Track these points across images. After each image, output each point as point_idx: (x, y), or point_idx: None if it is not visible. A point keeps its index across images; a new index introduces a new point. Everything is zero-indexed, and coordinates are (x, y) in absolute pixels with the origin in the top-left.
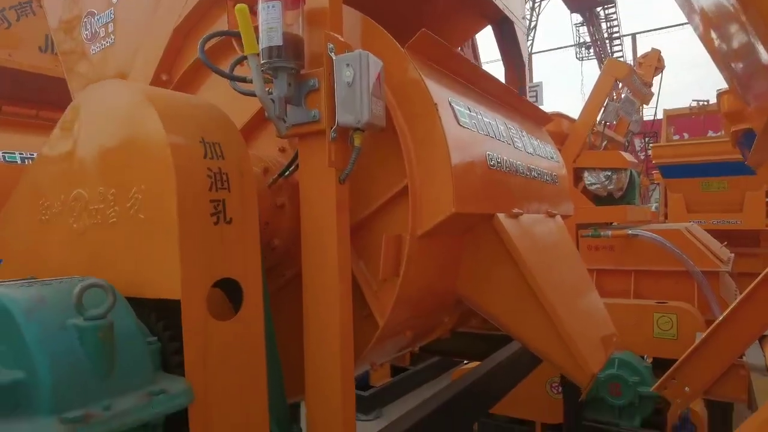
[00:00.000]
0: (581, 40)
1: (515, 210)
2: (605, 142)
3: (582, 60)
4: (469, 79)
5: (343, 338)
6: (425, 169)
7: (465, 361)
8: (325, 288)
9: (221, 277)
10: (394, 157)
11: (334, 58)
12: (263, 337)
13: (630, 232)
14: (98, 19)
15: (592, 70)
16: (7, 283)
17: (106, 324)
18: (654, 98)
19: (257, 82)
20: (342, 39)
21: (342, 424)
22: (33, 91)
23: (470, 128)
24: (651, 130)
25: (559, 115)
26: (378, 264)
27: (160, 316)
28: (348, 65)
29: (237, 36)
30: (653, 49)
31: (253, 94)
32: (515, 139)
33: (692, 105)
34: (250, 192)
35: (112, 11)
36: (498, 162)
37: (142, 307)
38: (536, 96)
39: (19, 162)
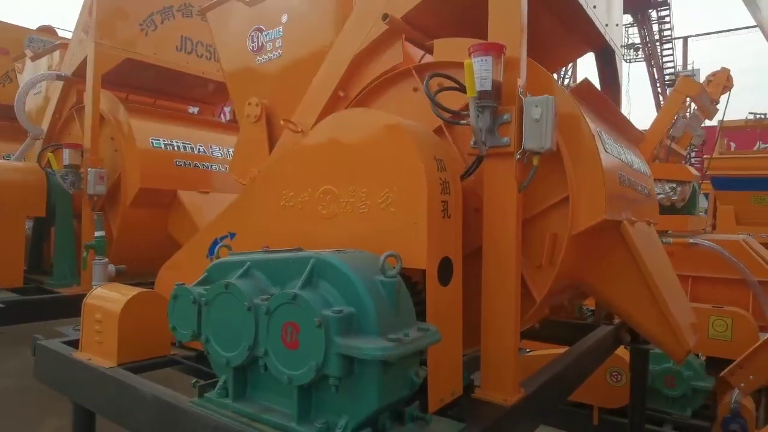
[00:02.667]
0: (629, 42)
1: (632, 218)
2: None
3: (630, 62)
4: (601, 111)
5: (516, 303)
6: (582, 183)
7: (528, 350)
8: (504, 269)
9: (444, 256)
10: (556, 173)
11: (524, 99)
12: (461, 300)
13: (691, 240)
14: (266, 35)
15: (639, 73)
16: (304, 252)
17: (398, 281)
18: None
19: (473, 116)
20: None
21: (513, 362)
22: (172, 85)
23: (611, 153)
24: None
25: None
26: (535, 254)
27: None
28: (536, 106)
29: (447, 78)
30: (723, 68)
31: (451, 121)
32: (628, 158)
33: (749, 117)
34: (459, 195)
35: (281, 29)
36: (625, 180)
37: None
38: None
39: (163, 148)
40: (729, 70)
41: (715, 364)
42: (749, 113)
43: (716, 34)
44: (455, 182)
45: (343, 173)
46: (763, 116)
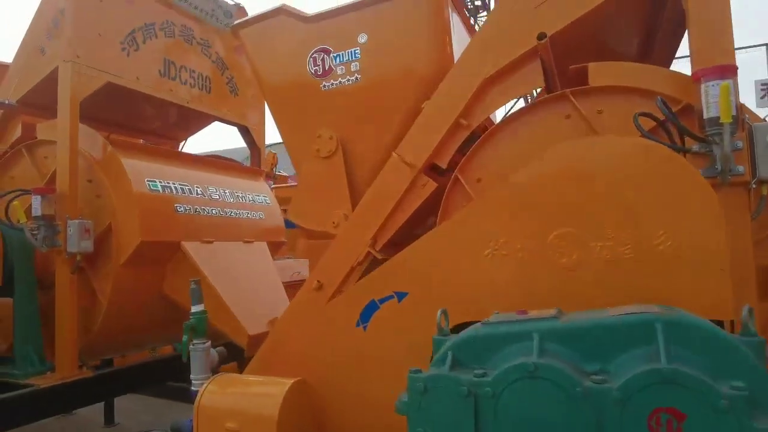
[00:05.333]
0: None
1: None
2: None
3: None
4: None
5: None
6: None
7: None
8: None
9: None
10: None
11: (752, 125)
12: None
13: None
14: (336, 57)
15: None
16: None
17: (760, 341)
18: None
19: (727, 143)
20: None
21: None
22: (146, 117)
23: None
24: None
25: None
26: None
27: None
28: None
29: (669, 117)
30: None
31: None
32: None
33: None
34: None
35: (358, 51)
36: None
37: None
38: None
39: (161, 191)
40: None
41: None
42: None
43: None
44: None
45: (591, 213)
46: None
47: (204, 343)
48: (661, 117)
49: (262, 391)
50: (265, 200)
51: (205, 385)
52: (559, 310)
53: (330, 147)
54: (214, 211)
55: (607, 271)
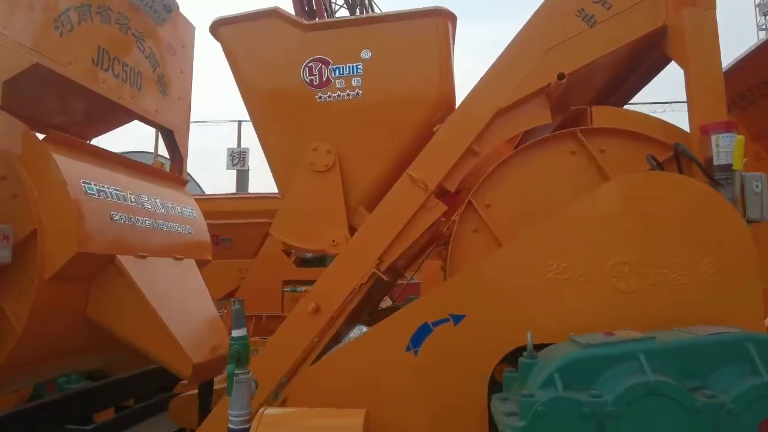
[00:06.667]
0: None
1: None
2: None
3: None
4: None
5: None
6: None
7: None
8: None
9: None
10: None
11: (743, 174)
12: None
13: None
14: (335, 70)
15: None
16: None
17: None
18: None
19: (736, 188)
20: None
21: None
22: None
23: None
24: None
25: None
26: None
27: None
28: (757, 181)
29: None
30: None
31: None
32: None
33: None
34: None
35: (360, 66)
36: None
37: None
38: None
39: (96, 196)
40: None
41: None
42: None
43: None
44: None
45: (647, 242)
46: None
47: (247, 373)
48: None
49: (332, 424)
50: (192, 213)
51: (255, 424)
52: (651, 334)
53: (327, 161)
54: (147, 222)
55: (662, 295)
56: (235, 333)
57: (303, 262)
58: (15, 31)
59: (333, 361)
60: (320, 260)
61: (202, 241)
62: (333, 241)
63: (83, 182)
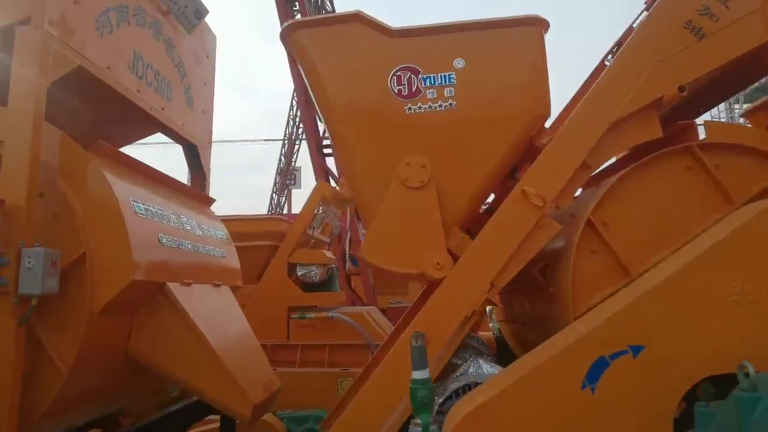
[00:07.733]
0: None
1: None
2: (312, 241)
3: None
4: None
5: None
6: None
7: None
8: None
9: None
10: None
11: None
12: None
13: (329, 314)
14: (426, 79)
15: None
16: None
17: None
18: None
19: None
20: None
21: None
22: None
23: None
24: None
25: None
26: None
27: None
28: None
29: None
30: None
31: None
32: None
33: None
34: None
35: (453, 76)
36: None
37: None
38: None
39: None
40: None
41: None
42: None
43: None
44: None
45: None
46: None
47: (432, 426)
48: None
49: None
50: (223, 236)
51: None
52: None
53: (422, 177)
54: (189, 246)
55: None
56: (417, 375)
57: (307, 287)
58: (60, 28)
59: (494, 405)
60: (327, 284)
61: (235, 266)
62: (438, 263)
63: (132, 200)
